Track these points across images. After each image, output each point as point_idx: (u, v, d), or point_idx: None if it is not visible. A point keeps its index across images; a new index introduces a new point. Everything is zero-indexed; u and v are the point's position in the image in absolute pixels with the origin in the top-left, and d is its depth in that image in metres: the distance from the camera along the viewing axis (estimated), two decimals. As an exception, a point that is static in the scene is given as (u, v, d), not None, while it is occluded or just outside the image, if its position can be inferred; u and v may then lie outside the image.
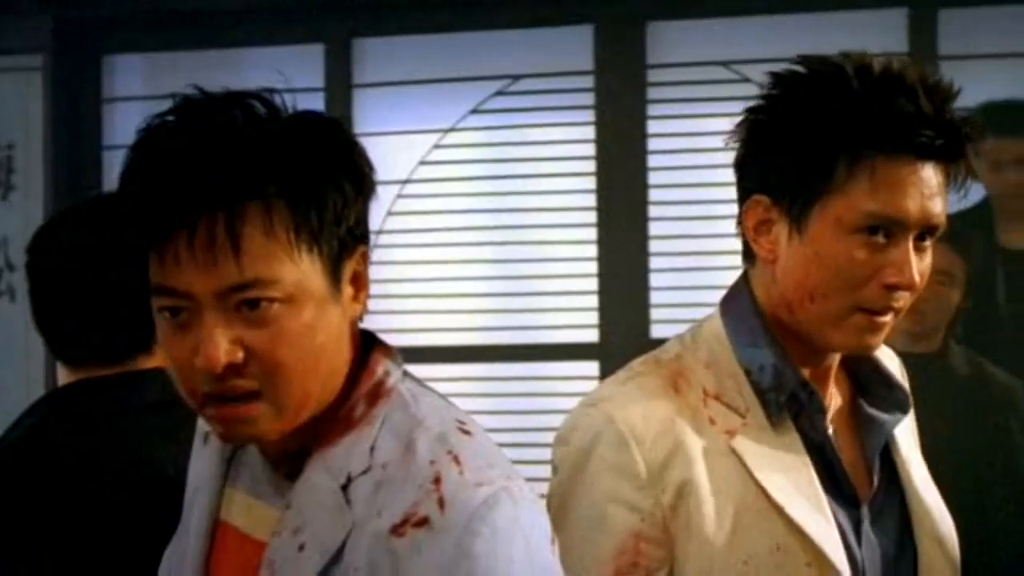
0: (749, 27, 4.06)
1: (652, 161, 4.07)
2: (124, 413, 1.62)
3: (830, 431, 1.40)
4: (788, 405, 1.38)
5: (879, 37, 3.95)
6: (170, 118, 1.13)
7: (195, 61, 4.31)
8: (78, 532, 1.55)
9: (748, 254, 1.43)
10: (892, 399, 1.44)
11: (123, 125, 4.39)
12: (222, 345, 1.07)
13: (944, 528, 1.45)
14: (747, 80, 3.98)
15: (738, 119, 1.41)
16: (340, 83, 4.28)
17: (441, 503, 1.06)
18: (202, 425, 1.33)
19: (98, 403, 1.64)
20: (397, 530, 1.06)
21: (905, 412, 1.44)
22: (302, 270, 1.09)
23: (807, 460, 1.37)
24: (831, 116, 1.30)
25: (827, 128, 1.30)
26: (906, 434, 1.50)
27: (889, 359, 1.52)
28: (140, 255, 1.12)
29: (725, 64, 4.08)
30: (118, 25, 4.38)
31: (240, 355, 1.08)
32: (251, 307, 1.08)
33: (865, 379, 1.46)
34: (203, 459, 1.30)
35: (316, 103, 4.40)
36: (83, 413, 1.63)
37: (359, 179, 1.14)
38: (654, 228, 4.07)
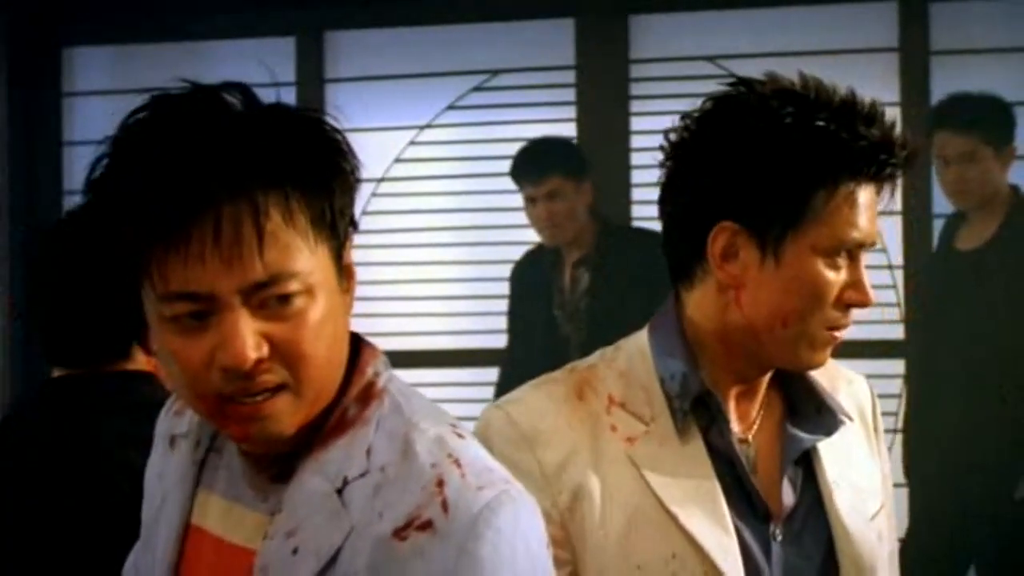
0: (736, 21, 4.01)
1: (635, 159, 4.00)
2: (109, 410, 1.68)
3: (737, 444, 1.43)
4: (696, 415, 1.42)
5: (870, 32, 3.93)
6: (144, 114, 1.07)
7: (160, 55, 4.21)
8: (52, 520, 1.61)
9: (684, 275, 1.45)
10: (819, 421, 1.48)
11: (85, 120, 4.30)
12: (249, 341, 1.06)
13: (865, 554, 1.48)
14: (733, 76, 3.91)
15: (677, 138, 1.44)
16: (312, 77, 4.21)
17: (445, 506, 1.07)
18: (167, 429, 1.30)
19: (84, 398, 1.70)
20: (399, 533, 1.06)
21: (829, 435, 1.48)
22: (318, 260, 1.10)
23: (711, 471, 1.41)
24: (809, 147, 1.36)
25: (805, 159, 1.36)
26: (842, 459, 1.51)
27: (848, 382, 1.55)
28: (130, 268, 1.07)
29: (711, 59, 4.03)
30: (79, 16, 4.28)
31: (266, 349, 1.07)
32: (279, 301, 1.07)
33: (796, 400, 1.50)
34: (168, 465, 1.28)
35: (287, 98, 4.36)
36: (66, 407, 1.69)
37: (354, 170, 1.15)
38: (637, 228, 3.99)
